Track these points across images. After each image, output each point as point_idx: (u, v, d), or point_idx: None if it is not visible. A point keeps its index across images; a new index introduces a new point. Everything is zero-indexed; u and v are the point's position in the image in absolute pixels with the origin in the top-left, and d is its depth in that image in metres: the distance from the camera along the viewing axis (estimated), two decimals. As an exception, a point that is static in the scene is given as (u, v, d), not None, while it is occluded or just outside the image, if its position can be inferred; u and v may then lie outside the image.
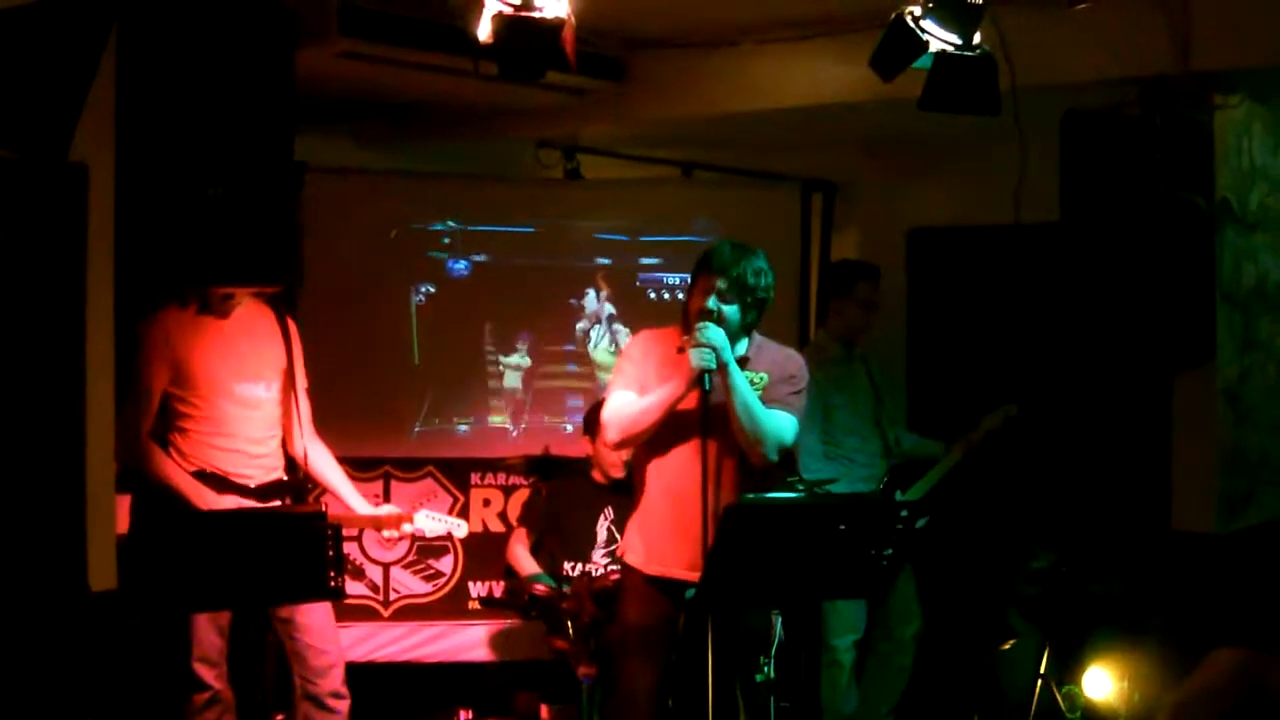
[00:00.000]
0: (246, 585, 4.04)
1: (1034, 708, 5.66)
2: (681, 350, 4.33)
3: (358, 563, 6.30)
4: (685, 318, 4.45)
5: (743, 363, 4.38)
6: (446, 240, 6.46)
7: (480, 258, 6.49)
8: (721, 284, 4.32)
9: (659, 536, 4.47)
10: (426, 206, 6.48)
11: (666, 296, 6.54)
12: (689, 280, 4.50)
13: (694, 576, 4.16)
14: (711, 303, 4.32)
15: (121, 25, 4.02)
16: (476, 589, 6.42)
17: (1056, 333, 5.24)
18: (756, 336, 4.52)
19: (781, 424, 4.38)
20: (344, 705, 4.87)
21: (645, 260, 6.61)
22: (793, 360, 4.55)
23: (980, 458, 5.86)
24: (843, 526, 3.94)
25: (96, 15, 3.90)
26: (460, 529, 5.19)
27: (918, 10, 4.42)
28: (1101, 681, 5.54)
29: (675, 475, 4.39)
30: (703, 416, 4.25)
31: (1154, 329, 4.85)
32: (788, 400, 4.44)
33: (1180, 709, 2.25)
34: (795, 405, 4.46)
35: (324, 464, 4.96)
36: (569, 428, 6.50)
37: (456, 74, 5.36)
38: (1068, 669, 5.68)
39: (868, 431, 5.88)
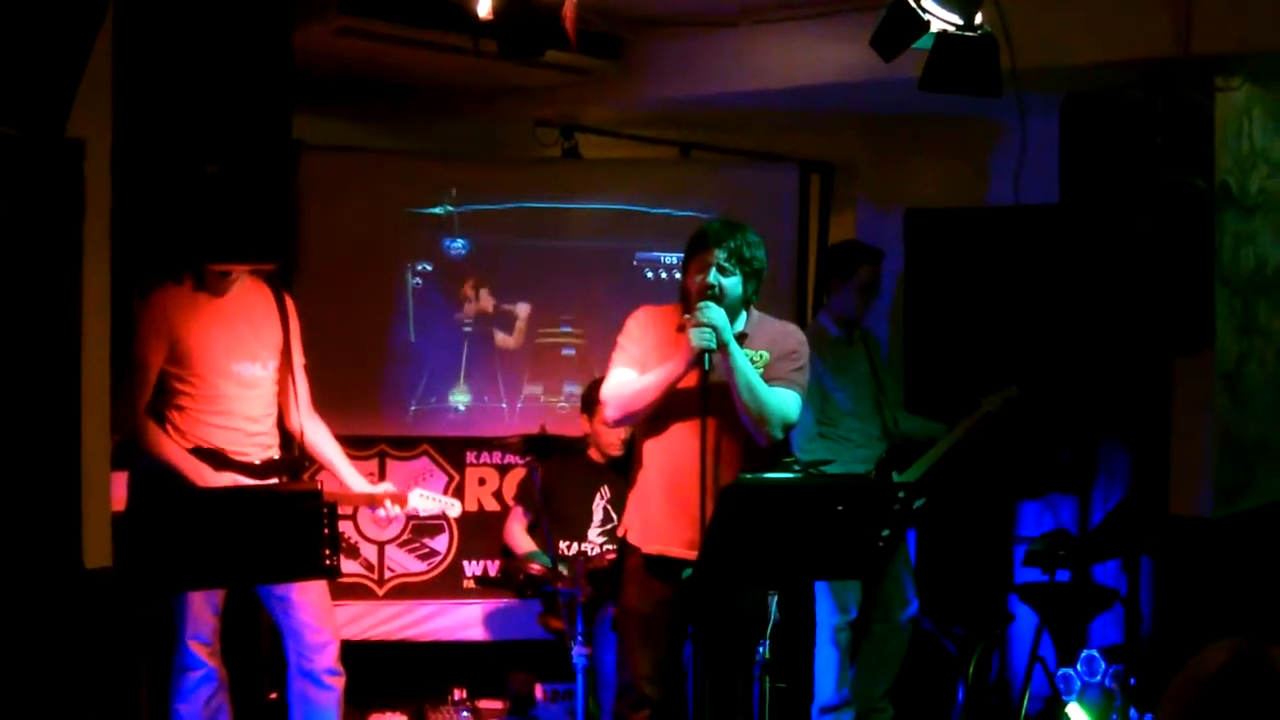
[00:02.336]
0: (242, 563, 4.03)
1: (1027, 691, 5.68)
2: (681, 329, 4.32)
3: (353, 541, 6.29)
4: (684, 299, 4.44)
5: (741, 339, 4.36)
6: (444, 219, 6.44)
7: (477, 237, 6.48)
8: (720, 255, 4.31)
9: (657, 515, 4.45)
10: (424, 185, 6.45)
11: (664, 276, 6.52)
12: (683, 261, 4.48)
13: (691, 555, 4.15)
14: (713, 277, 4.30)
15: (119, 0, 4.01)
16: (471, 568, 6.42)
17: (1055, 316, 5.23)
18: (754, 312, 4.51)
19: (785, 402, 4.37)
20: (339, 683, 4.86)
21: (643, 240, 6.59)
22: (792, 336, 4.53)
23: (978, 439, 5.85)
24: (840, 507, 3.93)
25: (93, -10, 3.87)
26: (453, 509, 5.16)
27: (919, -10, 4.40)
28: (1097, 665, 5.55)
29: (674, 453, 4.38)
30: (702, 395, 4.23)
31: (1153, 313, 4.83)
32: (790, 377, 4.42)
33: (1178, 696, 2.23)
34: (798, 381, 4.44)
35: (323, 441, 4.94)
36: (565, 406, 6.49)
37: (456, 52, 5.34)
38: (1063, 652, 5.68)
39: (866, 413, 5.85)
